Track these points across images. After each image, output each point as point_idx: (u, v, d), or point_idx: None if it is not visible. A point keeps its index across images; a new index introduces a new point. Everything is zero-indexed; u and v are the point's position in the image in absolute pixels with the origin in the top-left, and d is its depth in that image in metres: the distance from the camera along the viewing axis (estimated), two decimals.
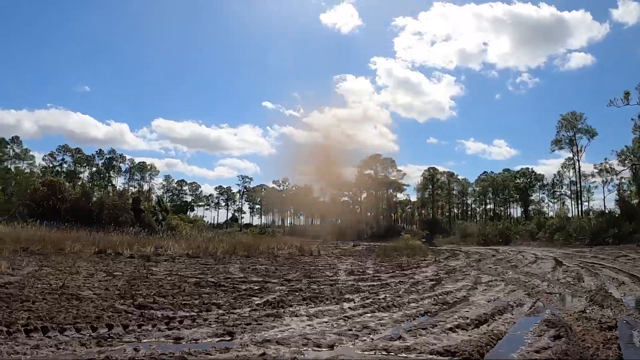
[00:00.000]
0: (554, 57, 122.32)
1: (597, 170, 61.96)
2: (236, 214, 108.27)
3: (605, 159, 61.29)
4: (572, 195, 74.94)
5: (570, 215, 60.25)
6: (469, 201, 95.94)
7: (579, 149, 58.74)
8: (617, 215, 39.91)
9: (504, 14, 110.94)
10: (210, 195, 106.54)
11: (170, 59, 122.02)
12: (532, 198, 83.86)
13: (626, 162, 52.56)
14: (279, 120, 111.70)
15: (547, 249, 32.28)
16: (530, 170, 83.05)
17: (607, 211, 46.94)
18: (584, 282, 12.27)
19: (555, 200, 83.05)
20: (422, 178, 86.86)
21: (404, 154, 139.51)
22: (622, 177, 58.40)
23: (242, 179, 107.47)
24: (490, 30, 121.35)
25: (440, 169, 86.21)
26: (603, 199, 65.02)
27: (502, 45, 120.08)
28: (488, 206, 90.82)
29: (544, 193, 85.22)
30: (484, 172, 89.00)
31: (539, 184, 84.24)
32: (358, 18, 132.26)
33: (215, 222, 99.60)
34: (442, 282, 12.30)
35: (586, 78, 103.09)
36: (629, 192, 50.86)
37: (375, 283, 11.84)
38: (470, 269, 16.64)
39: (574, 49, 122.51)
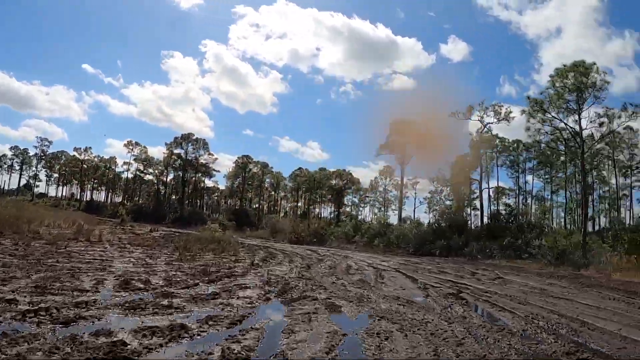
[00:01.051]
0: (379, 75, 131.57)
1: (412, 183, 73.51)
2: (30, 182, 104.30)
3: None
4: (384, 203, 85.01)
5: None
6: (280, 196, 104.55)
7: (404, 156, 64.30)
8: (444, 227, 44.06)
9: (342, 26, 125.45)
10: (4, 155, 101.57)
11: None
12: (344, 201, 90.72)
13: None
14: (97, 87, 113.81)
15: (371, 255, 34.65)
16: (347, 172, 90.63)
17: (431, 222, 53.64)
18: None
19: (365, 205, 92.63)
20: (234, 165, 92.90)
21: (218, 142, 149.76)
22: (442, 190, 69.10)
23: (42, 141, 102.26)
24: (326, 37, 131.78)
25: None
26: (414, 210, 78.30)
27: (334, 54, 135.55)
28: (299, 203, 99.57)
29: (356, 197, 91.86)
30: (299, 167, 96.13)
31: (353, 187, 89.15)
32: None
33: (6, 187, 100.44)
34: (285, 321, 8.57)
35: (404, 100, 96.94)
36: (450, 205, 49.87)
37: (158, 318, 7.93)
38: (307, 282, 14.06)
39: (399, 71, 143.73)
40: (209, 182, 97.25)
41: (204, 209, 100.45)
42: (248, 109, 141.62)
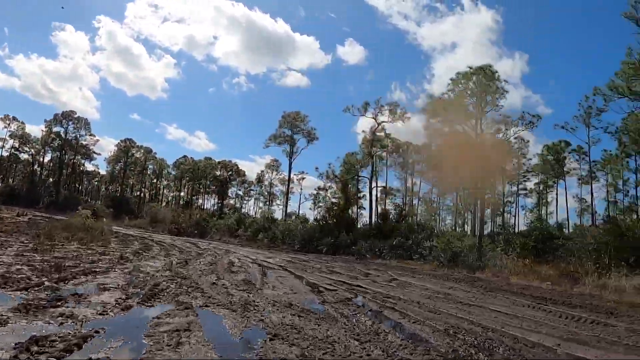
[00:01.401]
0: (274, 70, 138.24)
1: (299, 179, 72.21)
2: None
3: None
4: (269, 197, 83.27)
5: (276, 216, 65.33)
6: (162, 184, 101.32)
7: (294, 149, 63.87)
8: (331, 224, 43.30)
9: (242, 16, 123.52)
10: None
11: None
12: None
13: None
14: None
15: (255, 250, 34.00)
16: (233, 163, 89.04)
17: (318, 219, 51.23)
18: None
19: (250, 199, 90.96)
20: (116, 149, 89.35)
21: (103, 124, 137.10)
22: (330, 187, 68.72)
23: None
24: (224, 26, 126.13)
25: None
26: (299, 206, 76.77)
27: (231, 44, 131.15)
28: (182, 193, 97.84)
29: (240, 190, 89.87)
30: (184, 155, 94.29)
31: (239, 179, 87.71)
32: None
33: None
34: (144, 343, 6.43)
35: (297, 96, 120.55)
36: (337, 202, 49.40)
37: None
38: (181, 283, 12.16)
39: (294, 68, 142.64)
40: (89, 166, 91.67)
41: (83, 194, 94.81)
42: (137, 92, 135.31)
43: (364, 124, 47.75)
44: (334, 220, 43.60)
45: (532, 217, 51.64)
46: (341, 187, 56.82)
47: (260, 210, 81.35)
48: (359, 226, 48.53)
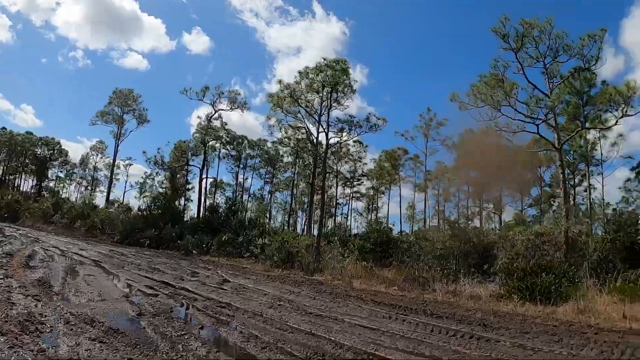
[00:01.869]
0: (115, 48, 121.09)
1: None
2: None
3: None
4: (93, 182, 75.63)
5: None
6: None
7: (122, 131, 58.18)
8: (157, 215, 39.30)
9: None
10: None
11: None
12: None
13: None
14: None
15: (70, 240, 30.56)
16: (55, 140, 78.00)
17: (142, 208, 44.75)
18: None
19: (72, 183, 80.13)
20: None
21: None
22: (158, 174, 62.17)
23: None
24: None
25: None
26: (123, 194, 68.98)
27: (73, 14, 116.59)
28: None
29: (62, 172, 79.70)
30: (3, 127, 79.83)
31: (61, 159, 77.33)
32: None
33: None
34: None
35: (134, 79, 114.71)
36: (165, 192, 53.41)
37: None
38: None
39: (135, 49, 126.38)
40: None
41: None
42: None
43: (201, 113, 44.41)
44: (159, 211, 39.71)
45: (367, 220, 51.71)
46: (169, 176, 53.01)
47: (81, 196, 73.22)
48: (186, 219, 44.69)
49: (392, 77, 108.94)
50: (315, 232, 31.18)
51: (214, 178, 60.13)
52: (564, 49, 21.69)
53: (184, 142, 51.65)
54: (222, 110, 47.01)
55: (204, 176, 48.56)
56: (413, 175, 56.37)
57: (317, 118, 28.50)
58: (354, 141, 57.24)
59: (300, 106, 28.00)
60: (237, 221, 35.47)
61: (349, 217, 63.32)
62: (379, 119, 31.21)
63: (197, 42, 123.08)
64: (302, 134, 34.06)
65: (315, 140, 29.24)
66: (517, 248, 19.29)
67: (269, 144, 59.01)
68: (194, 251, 31.25)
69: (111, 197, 63.75)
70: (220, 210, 39.70)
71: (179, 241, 33.45)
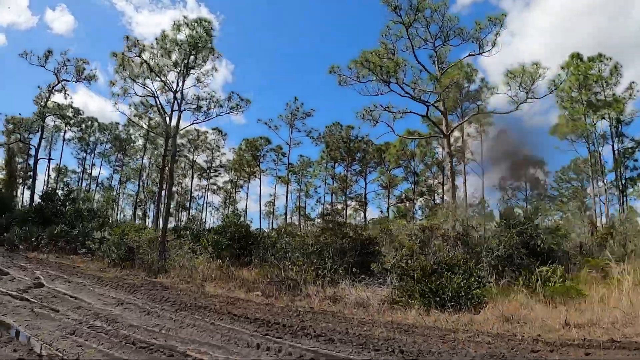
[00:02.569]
0: None
1: None
2: None
3: None
4: None
5: None
6: None
7: None
8: None
9: None
10: None
11: None
12: None
13: None
14: None
15: None
16: None
17: None
18: None
19: None
20: None
21: None
22: None
23: None
24: None
25: None
26: None
27: None
28: None
29: None
30: None
31: None
32: None
33: None
34: None
35: None
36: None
37: None
38: None
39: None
40: None
41: None
42: None
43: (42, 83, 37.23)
44: None
45: (224, 214, 47.30)
46: (6, 157, 45.19)
47: None
48: (22, 208, 37.65)
49: (259, 74, 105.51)
50: (168, 223, 26.44)
51: (57, 164, 53.43)
52: (456, 33, 20.12)
53: (19, 117, 42.88)
54: (67, 80, 40.29)
55: (41, 158, 41.93)
56: (275, 168, 53.64)
57: (172, 90, 24.01)
58: (213, 129, 53.27)
59: (153, 71, 23.29)
60: (74, 211, 29.65)
61: (204, 211, 59.00)
62: (242, 99, 27.48)
63: (60, 20, 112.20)
64: (155, 111, 29.48)
65: (168, 118, 24.73)
66: (408, 244, 16.53)
67: (120, 127, 53.22)
68: (20, 246, 25.34)
69: None
70: (56, 197, 33.54)
71: (5, 234, 27.21)
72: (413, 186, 48.33)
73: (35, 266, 17.79)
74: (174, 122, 24.19)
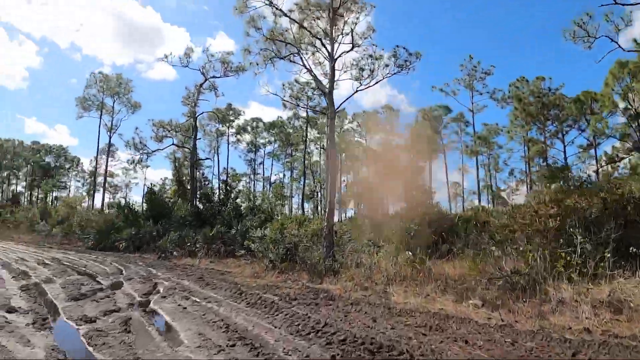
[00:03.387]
0: (141, 61, 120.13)
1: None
2: None
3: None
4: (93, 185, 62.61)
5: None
6: None
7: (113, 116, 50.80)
8: (139, 212, 32.30)
9: (110, 3, 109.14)
10: None
11: None
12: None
13: None
14: None
15: (31, 248, 25.53)
16: (61, 147, 74.80)
17: (122, 205, 35.33)
18: None
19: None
20: None
21: None
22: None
23: None
24: (91, 12, 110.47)
25: None
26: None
27: (97, 32, 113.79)
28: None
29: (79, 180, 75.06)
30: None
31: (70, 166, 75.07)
32: None
33: None
34: None
35: (164, 89, 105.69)
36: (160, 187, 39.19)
37: None
38: None
39: (162, 58, 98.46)
40: None
41: None
42: None
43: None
44: (149, 207, 31.55)
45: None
46: (173, 167, 45.11)
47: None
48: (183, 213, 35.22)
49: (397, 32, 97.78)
50: (334, 210, 21.80)
51: (225, 167, 53.24)
52: None
53: (174, 121, 42.02)
54: (215, 77, 38.28)
55: (199, 159, 40.71)
56: (458, 140, 47.18)
57: (328, 57, 19.66)
58: (383, 107, 48.73)
59: (303, 28, 19.04)
60: (232, 209, 26.91)
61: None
62: (411, 53, 22.41)
63: (223, 46, 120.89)
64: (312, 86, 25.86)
65: (326, 89, 20.44)
66: None
67: (284, 116, 51.43)
68: (174, 252, 23.02)
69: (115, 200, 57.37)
70: (215, 198, 31.16)
71: (158, 241, 25.23)
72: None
73: (171, 275, 14.79)
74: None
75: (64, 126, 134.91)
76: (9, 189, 78.64)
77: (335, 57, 18.39)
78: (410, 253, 13.99)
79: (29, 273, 13.10)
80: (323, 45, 19.47)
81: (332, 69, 17.59)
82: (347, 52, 19.16)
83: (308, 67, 20.01)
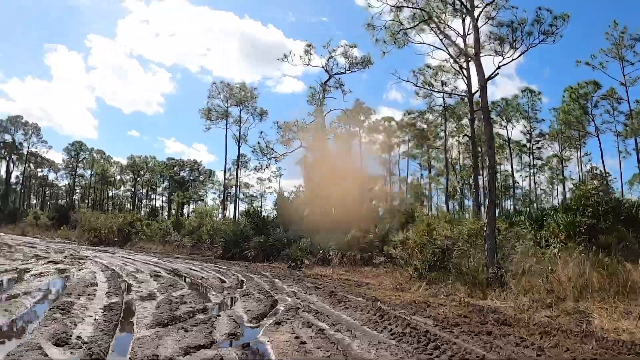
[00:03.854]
0: (269, 77, 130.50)
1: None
2: None
3: None
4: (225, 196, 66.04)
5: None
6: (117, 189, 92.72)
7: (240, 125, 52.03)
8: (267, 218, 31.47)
9: (233, 26, 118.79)
10: None
11: None
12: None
13: None
14: None
15: (157, 258, 24.27)
16: (193, 161, 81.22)
17: (252, 212, 35.12)
18: None
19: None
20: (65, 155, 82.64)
21: (102, 142, 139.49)
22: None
23: None
24: (216, 37, 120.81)
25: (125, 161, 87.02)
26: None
27: (224, 55, 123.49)
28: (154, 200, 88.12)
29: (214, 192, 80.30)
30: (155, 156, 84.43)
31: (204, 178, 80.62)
32: None
33: None
34: None
35: (292, 101, 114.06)
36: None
37: None
38: None
39: (289, 74, 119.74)
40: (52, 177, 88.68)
41: (40, 206, 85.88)
42: (134, 108, 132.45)
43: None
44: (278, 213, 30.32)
45: (575, 183, 37.23)
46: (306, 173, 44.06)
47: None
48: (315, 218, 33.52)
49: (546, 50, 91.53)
50: (496, 200, 18.63)
51: None
52: None
53: (297, 122, 40.90)
54: (340, 74, 37.00)
55: None
56: (611, 120, 41.58)
57: (467, 5, 17.01)
58: (523, 91, 44.55)
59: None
60: (367, 211, 24.39)
61: (530, 194, 49.94)
62: (556, 16, 19.28)
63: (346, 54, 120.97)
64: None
65: (471, 54, 17.84)
66: None
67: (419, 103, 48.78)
68: (304, 261, 21.18)
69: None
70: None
71: (287, 248, 23.54)
72: None
73: (297, 288, 12.75)
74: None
75: (201, 144, 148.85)
76: (149, 204, 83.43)
77: (477, 15, 15.84)
78: (590, 255, 11.00)
79: (133, 287, 11.73)
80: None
81: (476, 28, 14.49)
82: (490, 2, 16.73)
83: (442, 33, 17.74)
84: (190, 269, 18.93)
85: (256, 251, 25.57)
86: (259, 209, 39.80)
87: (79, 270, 15.32)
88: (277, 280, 15.39)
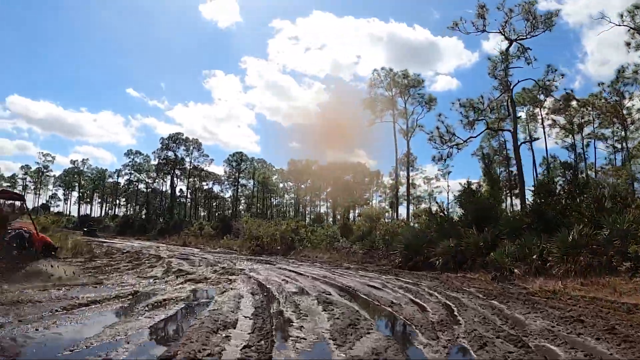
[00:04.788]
0: (422, 77, 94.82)
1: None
2: (50, 202, 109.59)
3: None
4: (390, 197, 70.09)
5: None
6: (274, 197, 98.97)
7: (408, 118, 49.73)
8: (451, 219, 26.70)
9: (380, 31, 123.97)
10: (13, 175, 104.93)
11: (30, 32, 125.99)
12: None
13: None
14: (142, 110, 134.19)
15: (322, 268, 23.24)
16: (361, 163, 79.87)
17: (435, 212, 30.68)
18: None
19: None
20: (226, 166, 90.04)
21: (266, 156, 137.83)
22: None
23: (44, 156, 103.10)
24: (365, 44, 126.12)
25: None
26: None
27: (375, 60, 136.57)
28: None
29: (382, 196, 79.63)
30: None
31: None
32: (238, 14, 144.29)
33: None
34: None
35: (449, 100, 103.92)
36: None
37: None
38: None
39: (441, 72, 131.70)
40: (217, 189, 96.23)
41: (205, 217, 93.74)
42: (292, 121, 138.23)
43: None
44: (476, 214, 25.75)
45: None
46: (483, 167, 39.66)
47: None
48: (506, 214, 28.56)
49: None
50: None
51: (545, 157, 47.01)
52: None
53: (481, 98, 35.66)
54: (521, 39, 32.02)
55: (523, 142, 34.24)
56: None
57: None
58: None
59: None
60: (591, 201, 19.06)
61: None
62: None
63: (498, 45, 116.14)
64: None
65: None
66: None
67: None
68: (514, 270, 16.99)
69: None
70: (558, 190, 23.94)
71: (491, 254, 19.32)
72: None
73: (548, 324, 8.55)
74: None
75: (362, 151, 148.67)
76: (314, 210, 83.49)
77: None
78: None
79: (289, 329, 7.55)
80: None
81: None
82: None
83: None
84: (369, 285, 15.54)
85: (444, 258, 21.59)
86: (443, 206, 35.40)
87: (222, 293, 12.14)
88: (496, 302, 11.49)
